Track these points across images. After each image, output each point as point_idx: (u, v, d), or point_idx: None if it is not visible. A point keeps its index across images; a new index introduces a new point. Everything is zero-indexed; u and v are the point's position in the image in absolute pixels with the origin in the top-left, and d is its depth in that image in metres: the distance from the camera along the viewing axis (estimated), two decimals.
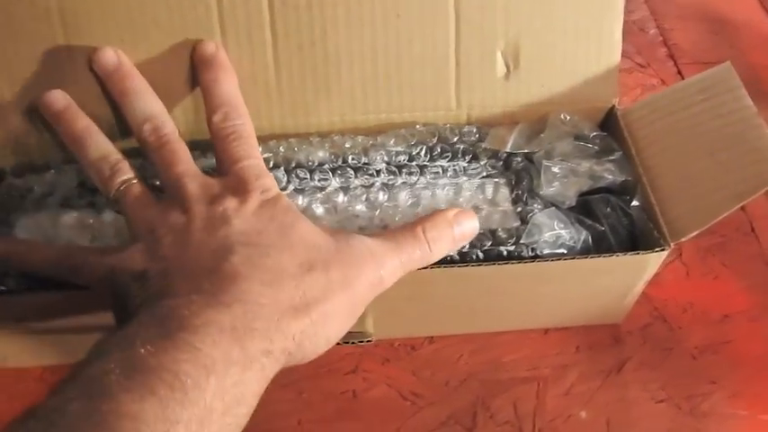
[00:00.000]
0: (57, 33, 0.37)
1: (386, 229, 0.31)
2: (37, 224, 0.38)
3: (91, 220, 0.38)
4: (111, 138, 0.36)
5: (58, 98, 0.36)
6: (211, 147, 0.37)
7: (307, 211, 0.38)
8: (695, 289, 0.45)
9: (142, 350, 0.23)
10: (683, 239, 0.35)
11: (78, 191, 0.39)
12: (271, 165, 0.39)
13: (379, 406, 0.40)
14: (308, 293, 0.27)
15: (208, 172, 0.38)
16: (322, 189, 0.39)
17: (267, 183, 0.31)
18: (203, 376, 0.23)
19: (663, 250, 0.35)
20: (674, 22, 0.63)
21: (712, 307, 0.44)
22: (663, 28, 0.63)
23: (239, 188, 0.31)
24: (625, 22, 0.39)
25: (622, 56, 0.40)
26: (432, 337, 0.43)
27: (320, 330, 0.28)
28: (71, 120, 0.35)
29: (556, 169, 0.38)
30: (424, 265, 0.32)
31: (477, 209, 0.39)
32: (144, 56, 0.37)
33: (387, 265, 0.30)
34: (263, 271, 0.27)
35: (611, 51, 0.40)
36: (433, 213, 0.32)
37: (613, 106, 0.42)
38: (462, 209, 0.33)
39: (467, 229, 0.32)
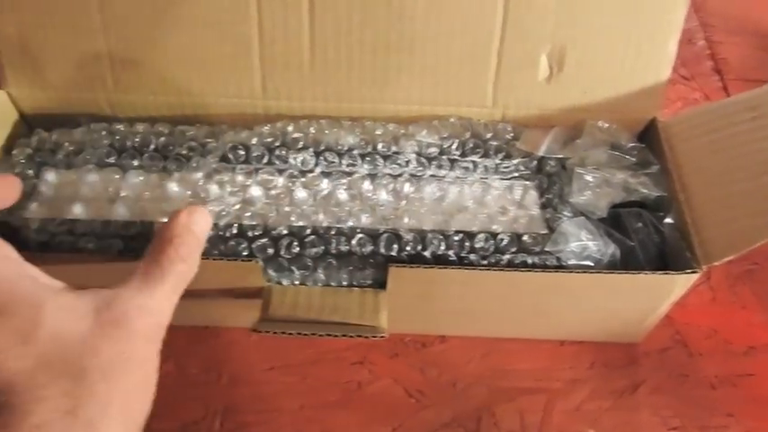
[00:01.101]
0: (91, 2, 0.36)
1: (137, 267, 0.26)
2: (63, 180, 0.38)
3: (116, 177, 0.38)
4: None
5: None
6: (243, 122, 0.37)
7: (331, 195, 0.37)
8: (720, 316, 0.43)
9: None
10: (716, 264, 0.33)
11: (107, 150, 0.39)
12: (300, 145, 0.38)
13: (383, 400, 0.39)
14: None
15: (238, 146, 0.38)
16: (349, 174, 0.38)
17: None
18: None
19: (693, 273, 0.34)
20: (724, 35, 0.61)
21: (736, 337, 0.43)
22: (711, 41, 0.60)
23: None
24: None
25: None
26: (443, 337, 0.42)
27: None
28: None
29: (589, 178, 0.37)
30: (190, 280, 0.28)
31: (504, 210, 0.38)
32: (178, 30, 0.37)
33: (156, 310, 0.26)
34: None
35: (661, 64, 0.38)
36: (170, 225, 0.27)
37: (655, 118, 0.40)
38: (190, 207, 0.28)
39: (204, 225, 0.28)
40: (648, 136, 0.41)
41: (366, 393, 0.39)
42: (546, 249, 0.35)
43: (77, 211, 0.36)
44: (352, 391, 0.39)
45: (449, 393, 0.40)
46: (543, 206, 0.38)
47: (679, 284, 0.36)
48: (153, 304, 0.26)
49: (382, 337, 0.34)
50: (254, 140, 0.38)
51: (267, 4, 0.36)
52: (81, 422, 0.22)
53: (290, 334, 0.33)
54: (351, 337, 0.31)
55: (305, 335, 0.33)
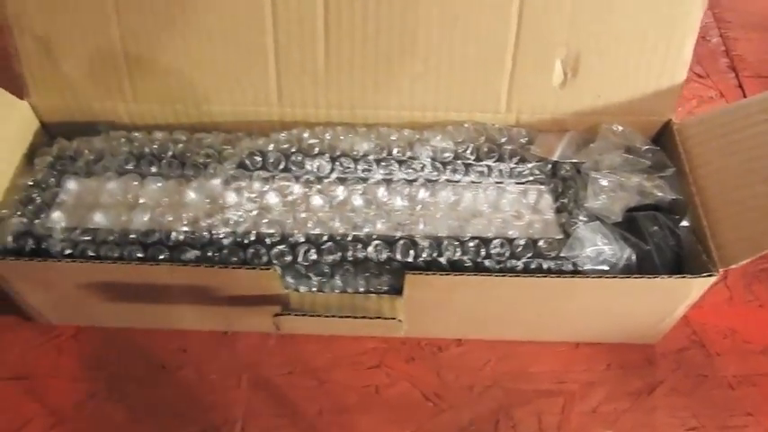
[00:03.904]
0: (108, 6, 0.37)
1: None
2: (84, 187, 0.39)
3: (135, 183, 0.38)
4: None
5: None
6: (259, 130, 0.37)
7: (346, 201, 0.38)
8: (738, 316, 0.43)
9: None
10: (734, 267, 0.33)
11: (126, 157, 0.39)
12: (316, 151, 0.39)
13: (401, 403, 0.40)
14: None
15: (254, 153, 0.38)
16: (365, 180, 0.38)
17: None
18: None
19: (711, 276, 0.34)
20: (740, 31, 0.60)
21: (754, 336, 0.42)
22: (726, 37, 0.60)
23: None
24: None
25: None
26: (459, 340, 0.42)
27: None
28: None
29: (604, 182, 0.37)
30: None
31: (519, 215, 0.38)
32: (194, 39, 0.37)
33: None
34: None
35: (676, 67, 0.38)
36: None
37: (669, 120, 0.40)
38: None
39: None
40: (663, 138, 0.41)
41: (384, 397, 0.40)
42: (562, 255, 0.35)
43: (98, 218, 0.37)
44: (370, 395, 0.40)
45: (466, 396, 0.40)
46: (558, 210, 0.38)
47: (696, 288, 0.36)
48: None
49: (400, 320, 0.34)
50: (271, 147, 0.39)
51: (283, 14, 0.36)
52: None
53: (313, 316, 0.33)
54: (370, 319, 0.31)
55: (327, 316, 0.34)
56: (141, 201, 0.38)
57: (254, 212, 0.37)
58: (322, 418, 0.39)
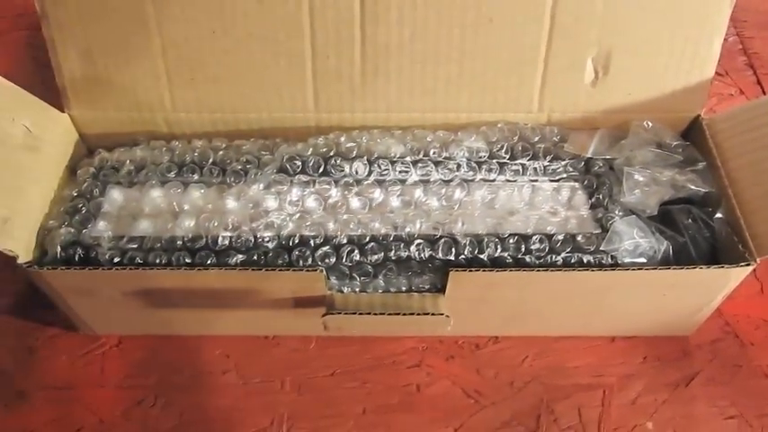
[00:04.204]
0: (149, 18, 0.38)
1: None
2: (127, 197, 0.39)
3: (178, 191, 0.39)
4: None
5: None
6: (296, 135, 0.37)
7: (385, 203, 0.39)
8: None
9: None
10: None
11: (168, 165, 0.40)
12: (354, 154, 0.40)
13: (442, 401, 0.40)
14: None
15: (294, 158, 0.39)
16: (402, 181, 0.39)
17: None
18: None
19: (748, 265, 0.35)
20: (755, 30, 0.62)
21: None
22: (742, 36, 0.61)
23: None
24: None
25: None
26: (496, 337, 0.43)
27: None
28: None
29: (638, 177, 0.38)
30: None
31: (554, 211, 0.38)
32: (234, 48, 0.38)
33: None
34: None
35: (706, 64, 0.39)
36: None
37: (698, 116, 0.41)
38: None
39: None
40: (692, 134, 0.42)
41: (425, 395, 0.40)
42: (601, 249, 0.36)
43: (143, 226, 0.38)
44: (412, 394, 0.40)
45: (506, 392, 0.40)
46: (593, 206, 0.39)
47: (733, 277, 0.36)
48: None
49: (447, 316, 0.34)
50: (309, 152, 0.40)
51: (320, 19, 0.37)
52: None
53: (362, 314, 0.34)
54: (419, 315, 0.31)
55: (377, 314, 0.34)
56: (185, 207, 0.38)
57: (296, 216, 0.38)
58: (366, 417, 0.39)
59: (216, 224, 0.37)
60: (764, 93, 0.56)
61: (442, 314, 0.34)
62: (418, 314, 0.34)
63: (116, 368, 0.41)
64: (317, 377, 0.41)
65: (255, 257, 0.36)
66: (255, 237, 0.37)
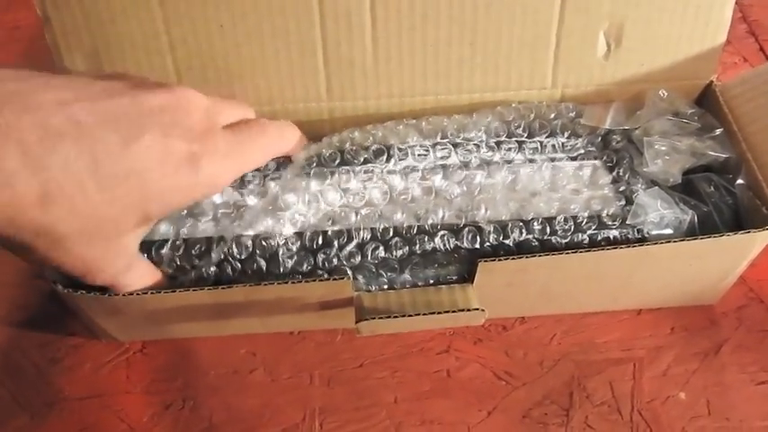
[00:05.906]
0: (155, 15, 0.37)
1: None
2: None
3: (238, 194, 0.38)
4: None
5: None
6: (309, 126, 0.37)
7: (405, 191, 0.38)
8: None
9: None
10: None
11: None
12: (369, 143, 0.39)
13: (474, 385, 0.40)
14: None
15: (311, 157, 0.38)
16: (421, 168, 0.39)
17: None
18: None
19: None
20: None
21: None
22: (741, 4, 0.61)
23: None
24: None
25: None
26: (523, 318, 0.43)
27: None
28: None
29: (659, 146, 0.38)
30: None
31: (577, 191, 0.38)
32: (244, 41, 0.38)
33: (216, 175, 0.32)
34: None
35: (717, 30, 0.39)
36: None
37: (711, 82, 0.41)
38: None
39: (291, 138, 0.38)
40: (706, 100, 0.41)
41: (457, 380, 0.40)
42: (627, 223, 0.36)
43: (163, 229, 0.37)
44: (443, 380, 0.40)
45: (537, 372, 0.40)
46: (614, 180, 0.39)
47: (759, 242, 0.36)
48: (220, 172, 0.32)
49: (483, 310, 0.34)
50: (324, 151, 0.39)
51: (330, 6, 0.37)
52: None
53: (396, 317, 0.33)
54: (454, 312, 0.31)
55: (411, 315, 0.33)
56: (240, 212, 0.37)
57: (316, 212, 0.37)
58: (399, 406, 0.39)
59: (236, 225, 0.37)
60: None
61: (478, 308, 0.33)
62: (454, 311, 0.33)
63: (141, 373, 0.40)
64: (346, 369, 0.41)
65: (280, 261, 0.36)
66: (278, 240, 0.36)
